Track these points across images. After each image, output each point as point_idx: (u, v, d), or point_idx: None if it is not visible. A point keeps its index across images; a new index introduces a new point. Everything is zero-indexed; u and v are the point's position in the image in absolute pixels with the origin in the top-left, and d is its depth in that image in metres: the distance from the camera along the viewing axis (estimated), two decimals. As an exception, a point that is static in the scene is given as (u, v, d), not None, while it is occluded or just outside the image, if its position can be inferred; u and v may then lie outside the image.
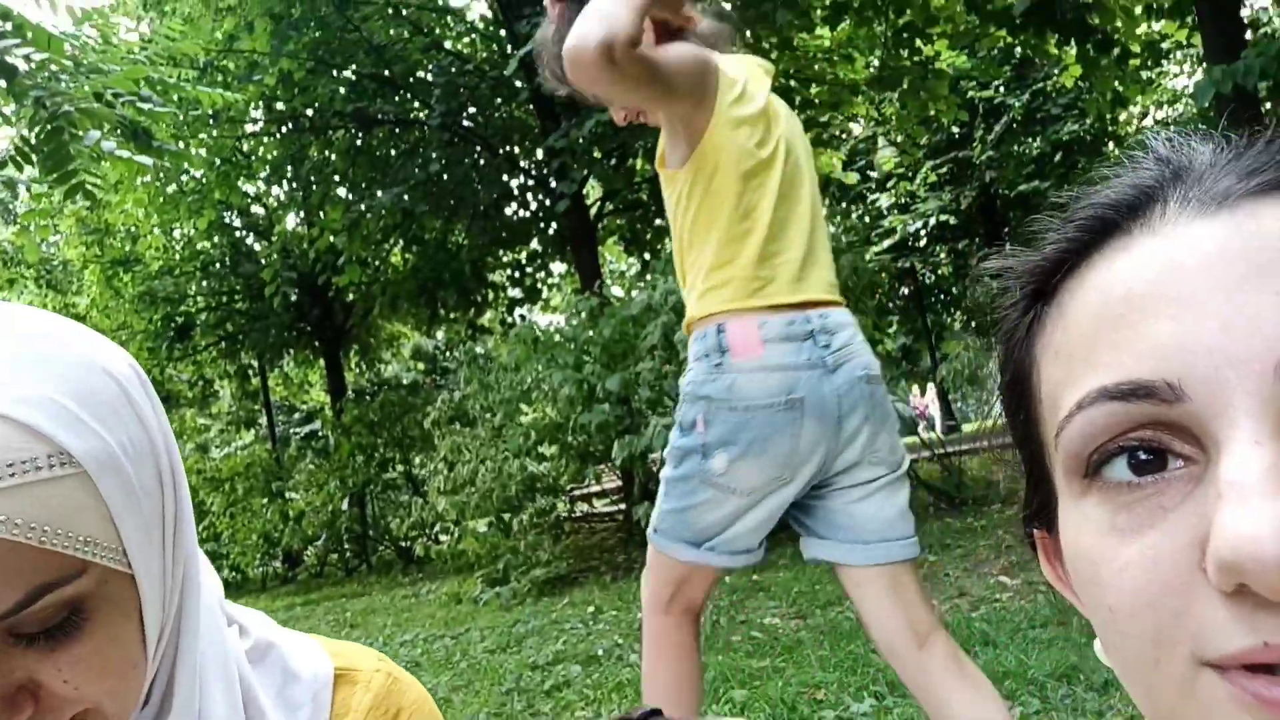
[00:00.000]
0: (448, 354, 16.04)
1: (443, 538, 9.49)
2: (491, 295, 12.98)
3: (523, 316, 12.75)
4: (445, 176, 10.37)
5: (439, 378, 16.05)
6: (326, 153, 10.57)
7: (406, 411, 11.27)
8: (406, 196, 9.90)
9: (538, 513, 8.23)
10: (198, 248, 12.42)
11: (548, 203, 10.80)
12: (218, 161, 9.86)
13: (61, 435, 0.56)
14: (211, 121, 9.36)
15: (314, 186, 10.40)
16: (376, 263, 11.76)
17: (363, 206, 10.12)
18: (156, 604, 0.64)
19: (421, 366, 17.24)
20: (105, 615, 0.59)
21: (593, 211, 11.01)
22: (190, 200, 10.18)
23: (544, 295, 13.40)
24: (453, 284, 11.83)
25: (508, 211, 11.37)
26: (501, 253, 12.37)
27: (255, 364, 13.60)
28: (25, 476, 0.54)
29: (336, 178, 10.61)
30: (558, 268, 13.46)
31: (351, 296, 12.12)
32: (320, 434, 12.04)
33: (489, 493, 8.23)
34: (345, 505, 10.51)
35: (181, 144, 8.01)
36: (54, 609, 0.56)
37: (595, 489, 11.57)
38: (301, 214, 11.62)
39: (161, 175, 9.59)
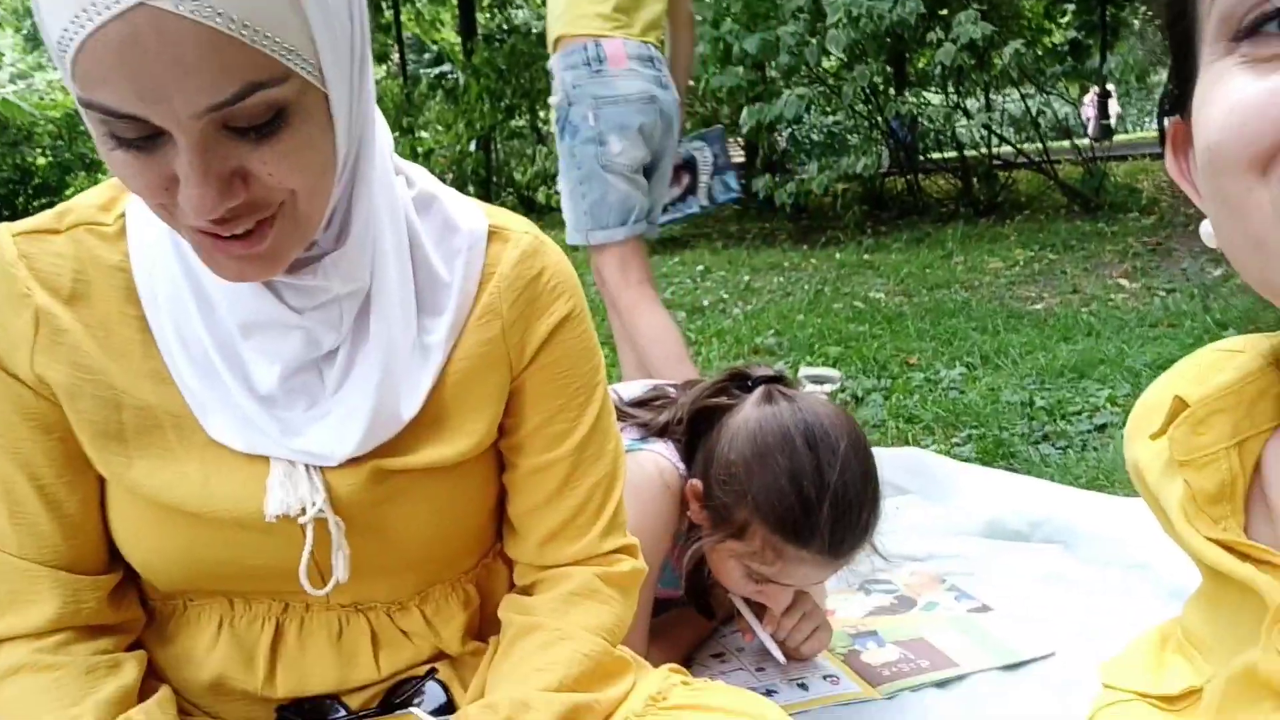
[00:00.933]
0: (580, 3, 15.46)
1: (563, 189, 9.74)
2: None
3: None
4: None
5: (569, 28, 15.59)
6: None
7: (535, 60, 11.08)
8: None
9: (658, 174, 8.29)
10: None
11: None
12: None
13: None
14: None
15: None
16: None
17: None
18: (344, 122, 0.71)
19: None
20: (303, 121, 0.66)
21: None
22: None
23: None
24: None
25: None
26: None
27: (387, -5, 13.37)
28: None
29: None
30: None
31: (485, -72, 11.55)
32: (450, 75, 12.01)
33: (611, 148, 8.29)
34: (472, 147, 10.71)
35: None
36: (262, 107, 0.63)
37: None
38: None
39: None
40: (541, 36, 14.23)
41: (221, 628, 0.89)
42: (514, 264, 0.87)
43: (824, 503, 1.14)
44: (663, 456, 1.31)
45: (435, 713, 0.95)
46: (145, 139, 0.64)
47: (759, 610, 1.32)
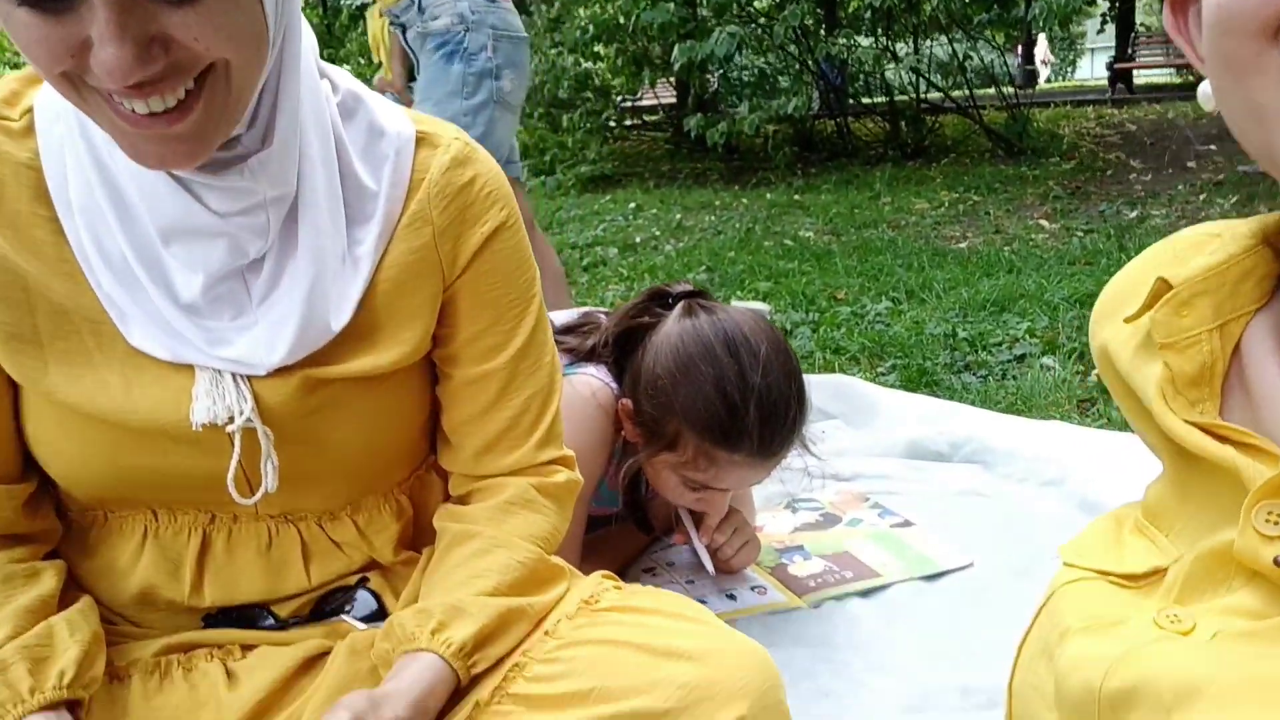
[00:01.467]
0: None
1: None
2: None
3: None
4: None
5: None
6: None
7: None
8: None
9: (588, 113, 8.16)
10: None
11: None
12: None
13: None
14: None
15: None
16: None
17: None
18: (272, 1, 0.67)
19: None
20: None
21: None
22: None
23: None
24: None
25: None
26: None
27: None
28: None
29: None
30: None
31: None
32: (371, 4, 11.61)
33: (540, 86, 8.11)
34: (396, 81, 10.42)
35: None
36: None
37: (648, 101, 11.34)
38: None
39: None
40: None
41: (146, 539, 0.86)
42: (444, 170, 0.85)
43: (750, 405, 1.15)
44: (595, 378, 1.31)
45: (366, 620, 0.95)
46: None
47: (696, 523, 1.34)
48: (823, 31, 7.89)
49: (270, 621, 0.92)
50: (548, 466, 0.93)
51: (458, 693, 0.80)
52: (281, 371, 0.79)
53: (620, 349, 1.33)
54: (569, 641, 0.81)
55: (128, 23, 0.60)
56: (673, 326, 1.25)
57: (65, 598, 0.83)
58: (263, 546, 0.88)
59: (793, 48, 7.49)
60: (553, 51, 8.18)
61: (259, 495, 0.81)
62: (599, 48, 8.41)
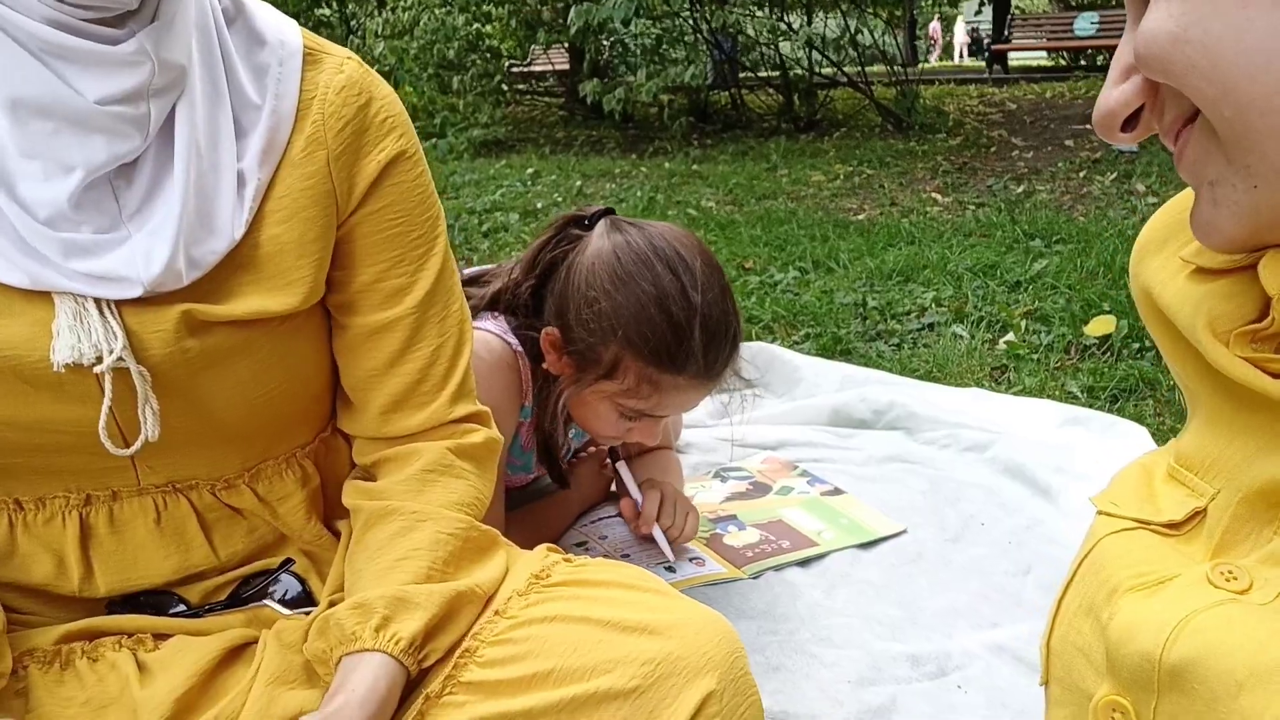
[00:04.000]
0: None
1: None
2: None
3: None
4: None
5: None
6: None
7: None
8: None
9: (479, 76, 7.93)
10: None
11: None
12: None
13: None
14: None
15: None
16: None
17: None
18: None
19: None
20: None
21: None
22: None
23: None
24: None
25: None
26: None
27: None
28: None
29: None
30: None
31: None
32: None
33: (430, 45, 7.84)
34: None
35: None
36: None
37: (540, 67, 11.13)
38: None
39: None
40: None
41: (15, 532, 0.76)
42: (339, 90, 0.77)
43: (694, 325, 1.09)
44: (490, 333, 1.22)
45: (291, 604, 0.86)
46: None
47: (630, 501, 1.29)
48: (715, 2, 7.88)
49: (181, 608, 0.83)
50: (463, 425, 0.85)
51: (407, 685, 0.73)
52: (157, 301, 0.70)
53: (537, 281, 1.24)
54: (522, 621, 0.75)
55: None
56: (601, 243, 1.16)
57: None
58: (150, 522, 0.78)
59: (687, 15, 7.44)
60: (441, 10, 7.91)
61: (138, 444, 0.71)
62: (489, 8, 8.18)
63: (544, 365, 1.20)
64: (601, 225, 1.20)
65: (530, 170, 5.76)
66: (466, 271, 1.52)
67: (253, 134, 0.74)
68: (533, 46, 8.50)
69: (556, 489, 1.39)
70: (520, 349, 1.23)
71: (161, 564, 0.80)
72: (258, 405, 0.77)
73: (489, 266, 1.49)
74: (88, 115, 0.65)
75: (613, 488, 1.47)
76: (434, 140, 7.04)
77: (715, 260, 1.18)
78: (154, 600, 0.82)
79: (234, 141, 0.73)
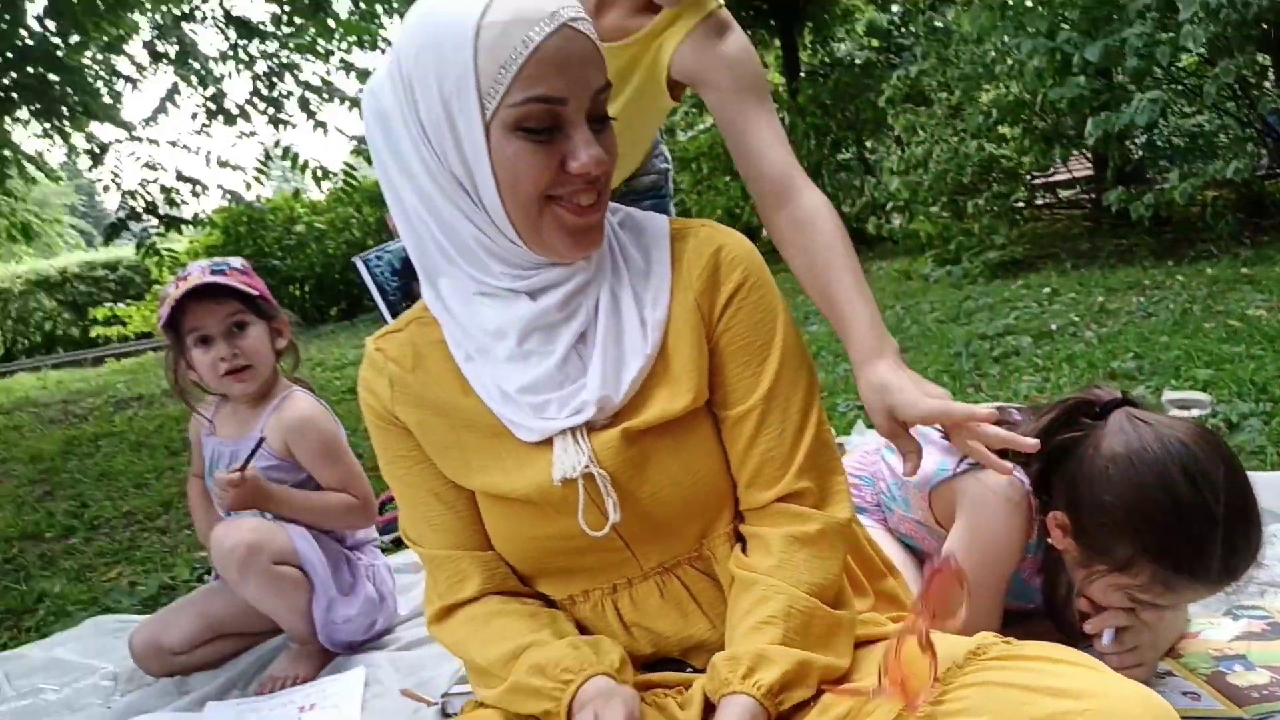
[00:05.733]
0: (904, 29, 15.19)
1: (894, 218, 9.61)
2: (956, -41, 11.85)
3: (992, -19, 11.55)
4: None
5: (893, 54, 15.38)
6: None
7: (860, 92, 11.12)
8: None
9: (994, 197, 7.96)
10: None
11: None
12: None
13: None
14: None
15: None
16: (833, -69, 11.20)
17: None
18: None
19: (875, 43, 16.57)
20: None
21: None
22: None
23: (1018, -45, 11.92)
24: (913, -51, 10.97)
25: None
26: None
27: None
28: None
29: None
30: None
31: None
32: (778, 114, 12.36)
33: (943, 174, 8.08)
34: (801, 184, 10.93)
35: None
36: (606, 99, 1.00)
37: (1061, 176, 10.77)
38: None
39: None
40: (866, 67, 13.95)
41: (583, 619, 1.13)
42: (695, 248, 1.10)
43: (1214, 539, 1.15)
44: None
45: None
46: (546, 130, 0.95)
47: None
48: (1268, 83, 7.07)
49: (690, 669, 1.14)
50: (805, 505, 1.07)
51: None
52: (606, 428, 1.05)
53: (1045, 463, 1.33)
54: (959, 685, 0.92)
55: (592, 139, 0.96)
56: (1114, 444, 1.23)
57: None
58: (658, 599, 1.11)
59: (1230, 105, 6.78)
60: (955, 139, 8.15)
61: (607, 528, 1.04)
62: (1004, 128, 8.23)
63: (1048, 538, 1.33)
64: (1114, 420, 1.27)
65: (1047, 289, 5.66)
66: None
67: (645, 290, 1.09)
68: (1051, 159, 8.31)
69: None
70: (1030, 488, 1.37)
71: (678, 628, 1.11)
72: (690, 488, 1.08)
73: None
74: (551, 316, 1.05)
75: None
76: (948, 267, 7.20)
77: (1237, 462, 1.22)
78: (676, 666, 1.14)
79: (634, 300, 1.08)
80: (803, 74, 13.13)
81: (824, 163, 11.14)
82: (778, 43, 13.50)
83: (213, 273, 1.96)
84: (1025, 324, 4.67)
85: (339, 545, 2.12)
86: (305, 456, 2.05)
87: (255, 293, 2.02)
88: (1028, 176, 8.96)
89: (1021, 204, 8.69)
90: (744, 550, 1.10)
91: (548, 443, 1.05)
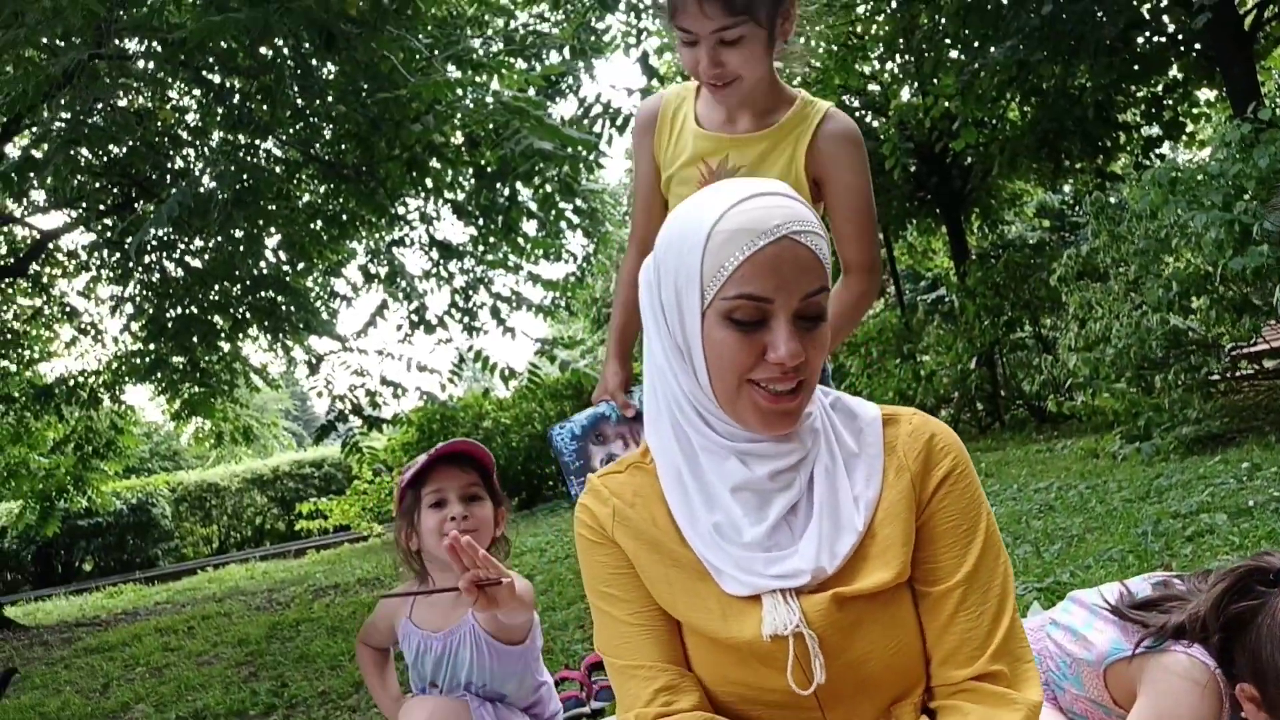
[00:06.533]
0: (1075, 208, 15.09)
1: (1076, 395, 9.27)
2: (1123, 138, 11.87)
3: (1161, 156, 11.47)
4: (1064, 16, 9.70)
5: (1066, 234, 15.24)
6: (936, 18, 10.58)
7: (1032, 271, 11.04)
8: (1021, 46, 9.51)
9: (1184, 370, 7.60)
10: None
11: (1186, 20, 9.48)
12: (835, 48, 10.51)
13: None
14: (827, 9, 10.00)
15: (926, 55, 10.52)
16: (993, 121, 11.53)
17: (975, 66, 9.99)
18: None
19: (1046, 223, 16.49)
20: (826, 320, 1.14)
21: (1248, 21, 9.41)
22: (814, 90, 11.00)
23: (1187, 128, 11.83)
24: (1076, 132, 11.10)
25: (1138, 41, 10.25)
26: (1133, 89, 11.21)
27: (880, 236, 14.33)
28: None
29: (948, 41, 10.58)
30: (1204, 94, 11.74)
31: (969, 160, 12.09)
32: (945, 299, 12.38)
33: (1125, 350, 7.81)
34: (973, 365, 10.79)
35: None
36: (818, 305, 1.12)
37: (1262, 346, 10.15)
38: (915, 84, 11.83)
39: (787, 72, 10.51)
40: (1038, 246, 13.84)
41: None
42: (910, 434, 1.21)
43: None
44: (1186, 654, 1.35)
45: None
46: (754, 322, 1.09)
47: None
48: None
49: None
50: (1000, 685, 1.10)
51: None
52: (818, 590, 1.13)
53: (1223, 633, 1.34)
54: None
55: (794, 333, 1.09)
56: None
57: None
58: None
59: None
60: (1135, 314, 7.92)
61: (812, 687, 1.11)
62: (1192, 299, 7.94)
63: (1243, 714, 1.31)
64: None
65: (1247, 464, 5.29)
66: (1134, 586, 1.68)
67: (857, 471, 1.19)
68: (1241, 330, 7.90)
69: None
70: (1220, 671, 1.35)
71: None
72: (888, 657, 1.15)
73: (1164, 579, 1.63)
74: (763, 484, 1.16)
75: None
76: (1138, 444, 6.85)
77: None
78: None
79: (847, 478, 1.18)
80: (972, 257, 13.18)
81: (999, 342, 10.99)
82: (944, 229, 13.69)
83: (470, 444, 2.17)
84: (1221, 501, 4.39)
85: None
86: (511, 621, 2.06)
87: (491, 472, 2.20)
88: (1226, 348, 8.52)
89: (1216, 376, 8.23)
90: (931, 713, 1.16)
91: (753, 598, 1.15)
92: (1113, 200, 10.80)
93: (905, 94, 12.67)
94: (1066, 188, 14.75)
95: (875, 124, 13.24)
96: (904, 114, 11.61)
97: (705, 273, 1.11)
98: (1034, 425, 10.05)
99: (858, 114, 13.52)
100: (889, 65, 12.18)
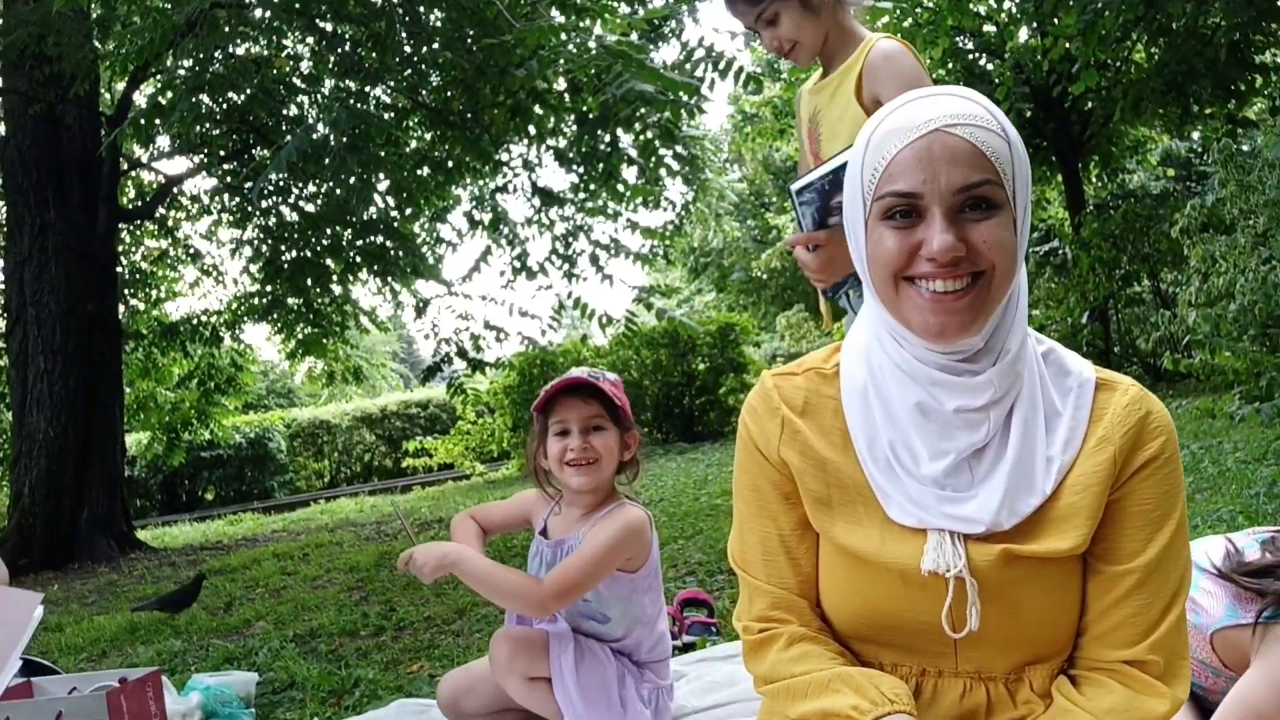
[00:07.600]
0: (1203, 156, 14.25)
1: (1195, 353, 8.86)
2: (1259, 81, 11.12)
3: (1301, 101, 10.72)
4: (1197, -51, 9.10)
5: (1192, 183, 14.42)
6: (1058, -48, 10.03)
7: (1153, 223, 10.54)
8: (1150, -18, 8.98)
9: (1316, 328, 7.19)
10: (933, 78, 12.85)
11: (1338, -46, 8.77)
12: (949, -14, 10.09)
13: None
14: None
15: (1046, -8, 10.02)
16: (1117, 63, 10.94)
17: (1099, 4, 9.47)
18: (1021, 236, 1.09)
19: (1171, 173, 15.62)
20: (1003, 217, 1.07)
21: None
22: (925, 31, 10.63)
23: (1332, 71, 11.01)
24: (1207, 74, 10.44)
25: (1282, -24, 9.54)
26: (1273, 27, 10.46)
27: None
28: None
29: (1071, -22, 10.04)
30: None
31: (1090, 104, 11.53)
32: (1059, 250, 11.91)
33: (1249, 306, 7.42)
34: (1085, 320, 10.41)
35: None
36: (983, 196, 1.06)
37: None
38: (1034, 24, 11.30)
39: (898, 11, 10.18)
40: (1160, 197, 13.14)
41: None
42: (1125, 406, 1.14)
43: None
44: None
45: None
46: (906, 217, 1.06)
47: None
48: None
49: None
50: (1156, 681, 1.08)
51: None
52: (988, 540, 1.10)
53: None
54: None
55: (949, 225, 1.04)
56: None
57: None
58: (956, 699, 1.16)
59: None
60: (1263, 268, 7.50)
61: (965, 631, 1.10)
62: (1323, 255, 7.47)
63: None
64: None
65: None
66: (1246, 550, 1.65)
67: (1057, 432, 1.14)
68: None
69: None
70: None
71: None
72: (1042, 620, 1.13)
73: (1268, 539, 1.60)
74: (949, 419, 1.12)
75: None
76: (1257, 404, 6.54)
77: None
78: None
79: (1045, 435, 1.14)
80: (1089, 208, 12.64)
81: (1113, 296, 10.56)
82: (1059, 178, 13.13)
83: (589, 378, 2.23)
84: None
85: (626, 661, 2.22)
86: (592, 533, 2.15)
87: (618, 403, 2.24)
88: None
89: (1351, 336, 7.75)
90: (1074, 686, 1.14)
91: (920, 530, 1.13)
92: (1244, 148, 10.18)
93: (1023, 34, 12.10)
94: (1195, 134, 13.93)
95: (990, 66, 12.73)
96: (1021, 56, 11.12)
97: (864, 177, 1.10)
98: (1148, 384, 9.64)
99: (971, 56, 13.01)
100: (1006, 4, 11.64)
